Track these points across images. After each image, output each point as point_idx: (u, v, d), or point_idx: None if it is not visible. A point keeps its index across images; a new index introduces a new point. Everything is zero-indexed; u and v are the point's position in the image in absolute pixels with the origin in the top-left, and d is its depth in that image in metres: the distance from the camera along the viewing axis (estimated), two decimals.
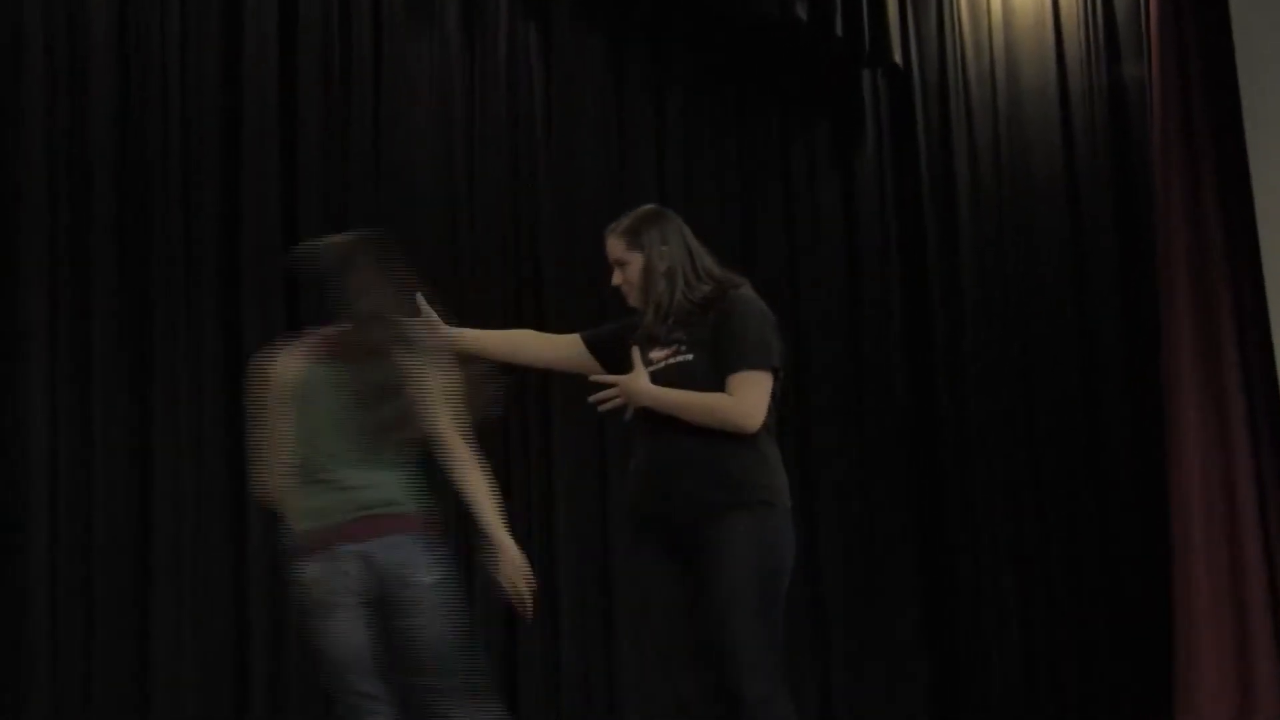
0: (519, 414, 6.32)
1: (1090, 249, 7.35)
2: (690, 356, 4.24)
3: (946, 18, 7.52)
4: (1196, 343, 6.76)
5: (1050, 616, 7.15)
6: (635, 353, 4.18)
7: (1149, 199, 7.09)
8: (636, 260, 4.32)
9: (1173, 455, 6.75)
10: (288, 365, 4.01)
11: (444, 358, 4.12)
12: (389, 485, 3.95)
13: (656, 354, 4.27)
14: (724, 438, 4.13)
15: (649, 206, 4.39)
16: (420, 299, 4.41)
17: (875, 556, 7.16)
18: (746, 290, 4.24)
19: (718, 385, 4.15)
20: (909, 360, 7.36)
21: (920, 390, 7.32)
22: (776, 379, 4.13)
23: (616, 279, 4.34)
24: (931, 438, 7.31)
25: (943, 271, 7.39)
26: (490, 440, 5.97)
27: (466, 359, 4.24)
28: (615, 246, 4.36)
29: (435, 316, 4.41)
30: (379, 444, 3.94)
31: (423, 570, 3.89)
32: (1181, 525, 6.69)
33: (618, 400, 4.18)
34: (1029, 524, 7.21)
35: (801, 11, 6.77)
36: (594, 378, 4.26)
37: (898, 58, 7.32)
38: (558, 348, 4.63)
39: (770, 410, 4.10)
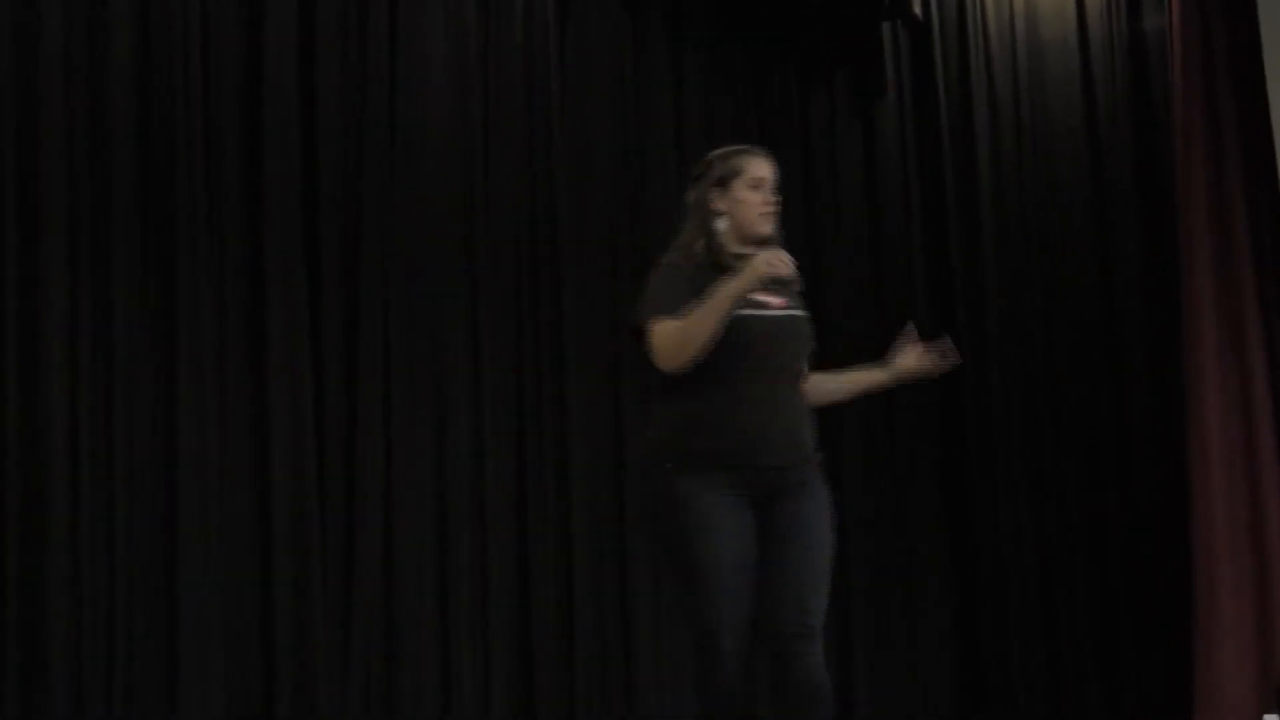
0: (535, 419, 6.33)
1: (1111, 200, 7.35)
2: (805, 314, 4.31)
3: None
4: (1217, 301, 6.73)
5: (1073, 609, 7.16)
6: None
7: (1170, 151, 7.07)
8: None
9: (1193, 445, 6.73)
10: None
11: None
12: None
13: (772, 300, 4.27)
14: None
15: None
16: None
17: (903, 541, 7.16)
18: None
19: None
20: (931, 315, 7.36)
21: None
22: None
23: (770, 199, 4.31)
24: (956, 399, 7.31)
25: (963, 224, 7.40)
26: (504, 445, 6.12)
27: None
28: (772, 170, 4.35)
29: None
30: None
31: None
32: (1202, 526, 6.67)
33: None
34: (1050, 506, 7.22)
35: None
36: None
37: (917, 9, 7.29)
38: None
39: None
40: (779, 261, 4.03)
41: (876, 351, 7.04)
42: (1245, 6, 6.77)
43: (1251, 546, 6.64)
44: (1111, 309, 7.27)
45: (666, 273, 4.25)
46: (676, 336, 4.10)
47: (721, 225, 4.29)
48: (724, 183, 4.31)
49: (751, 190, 4.30)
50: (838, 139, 7.31)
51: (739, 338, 4.15)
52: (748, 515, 4.18)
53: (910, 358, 4.49)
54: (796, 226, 6.99)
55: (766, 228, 4.30)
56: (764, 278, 4.05)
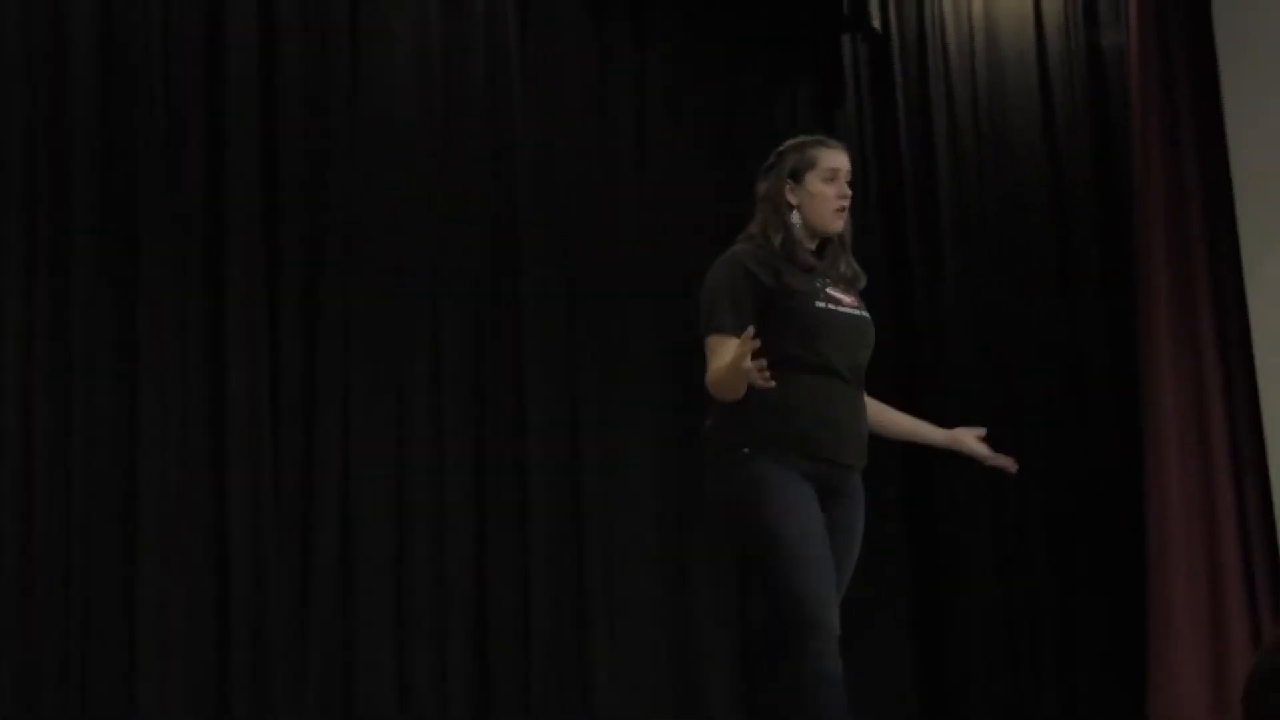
0: (495, 418, 6.32)
1: (1069, 210, 7.40)
2: (868, 316, 4.25)
3: None
4: (1173, 316, 6.78)
5: (1031, 610, 7.19)
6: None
7: (1127, 163, 7.12)
8: None
9: (1150, 451, 6.78)
10: None
11: None
12: None
13: (844, 297, 4.23)
14: None
15: None
16: None
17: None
18: None
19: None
20: (890, 321, 7.37)
21: (904, 359, 7.35)
22: None
23: (845, 192, 4.26)
24: (914, 401, 7.32)
25: (923, 235, 7.43)
26: (464, 446, 6.11)
27: None
28: (848, 161, 4.31)
29: None
30: None
31: None
32: (1159, 531, 6.72)
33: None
34: (1010, 508, 7.23)
35: None
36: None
37: (876, 22, 7.34)
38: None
39: None
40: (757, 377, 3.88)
41: None
42: (1202, 22, 6.84)
43: (1206, 548, 6.69)
44: (1071, 316, 7.32)
45: (731, 272, 4.17)
46: (719, 382, 4.03)
47: (795, 219, 4.22)
48: (797, 175, 4.25)
49: (826, 183, 4.24)
50: None
51: (815, 330, 4.11)
52: (818, 504, 4.12)
53: (975, 445, 4.47)
54: None
55: (838, 224, 4.25)
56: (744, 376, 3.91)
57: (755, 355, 3.89)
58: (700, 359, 4.14)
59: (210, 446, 5.73)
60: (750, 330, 3.88)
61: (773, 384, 3.89)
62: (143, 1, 5.76)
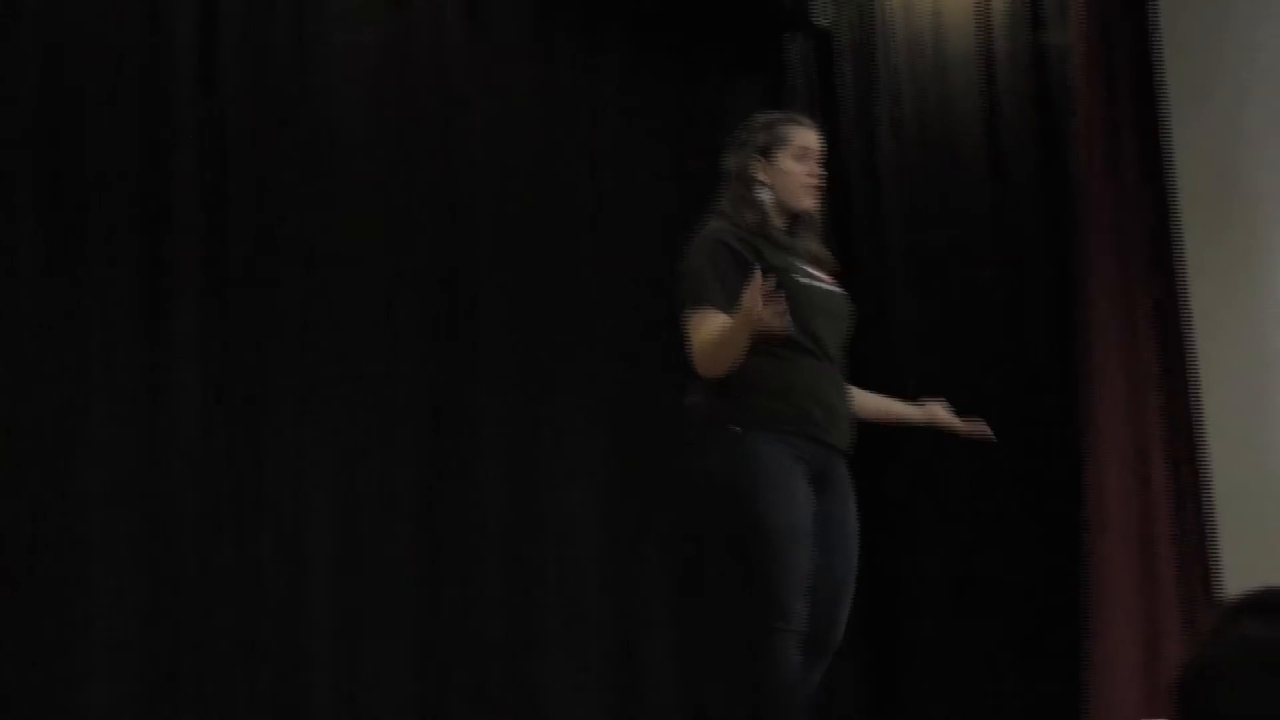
0: (449, 423, 6.33)
1: (1013, 213, 7.42)
2: (847, 294, 4.22)
3: None
4: (1115, 318, 6.83)
5: (972, 612, 7.23)
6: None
7: (1070, 161, 7.17)
8: None
9: (1091, 459, 6.82)
10: None
11: None
12: None
13: (821, 274, 4.18)
14: None
15: None
16: None
17: None
18: None
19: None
20: None
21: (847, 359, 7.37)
22: None
23: (816, 171, 4.24)
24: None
25: (868, 235, 7.45)
26: (416, 454, 6.08)
27: None
28: (820, 140, 4.28)
29: None
30: None
31: None
32: (1098, 536, 6.77)
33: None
34: (953, 507, 7.28)
35: None
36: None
37: (820, 19, 7.37)
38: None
39: None
40: (771, 317, 3.83)
41: None
42: (1145, 22, 6.88)
43: (1141, 550, 6.73)
44: (1014, 316, 7.35)
45: (712, 248, 4.12)
46: (712, 353, 3.98)
47: (765, 196, 4.15)
48: (767, 151, 4.20)
49: (796, 161, 4.20)
50: None
51: (803, 307, 4.04)
52: (810, 488, 4.05)
53: (949, 418, 4.53)
54: None
55: (810, 201, 4.20)
56: (755, 325, 3.85)
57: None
58: (672, 341, 4.09)
59: (153, 452, 5.66)
60: (758, 272, 3.83)
61: (788, 322, 3.83)
62: (83, 11, 5.69)
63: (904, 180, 7.47)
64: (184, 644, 5.62)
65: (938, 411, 4.51)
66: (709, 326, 3.99)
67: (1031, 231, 7.38)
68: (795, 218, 4.26)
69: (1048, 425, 7.18)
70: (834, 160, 7.36)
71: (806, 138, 4.26)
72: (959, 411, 7.01)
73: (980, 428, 4.48)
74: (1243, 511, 6.50)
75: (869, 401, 4.50)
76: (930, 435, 6.68)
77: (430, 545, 6.21)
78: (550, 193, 6.71)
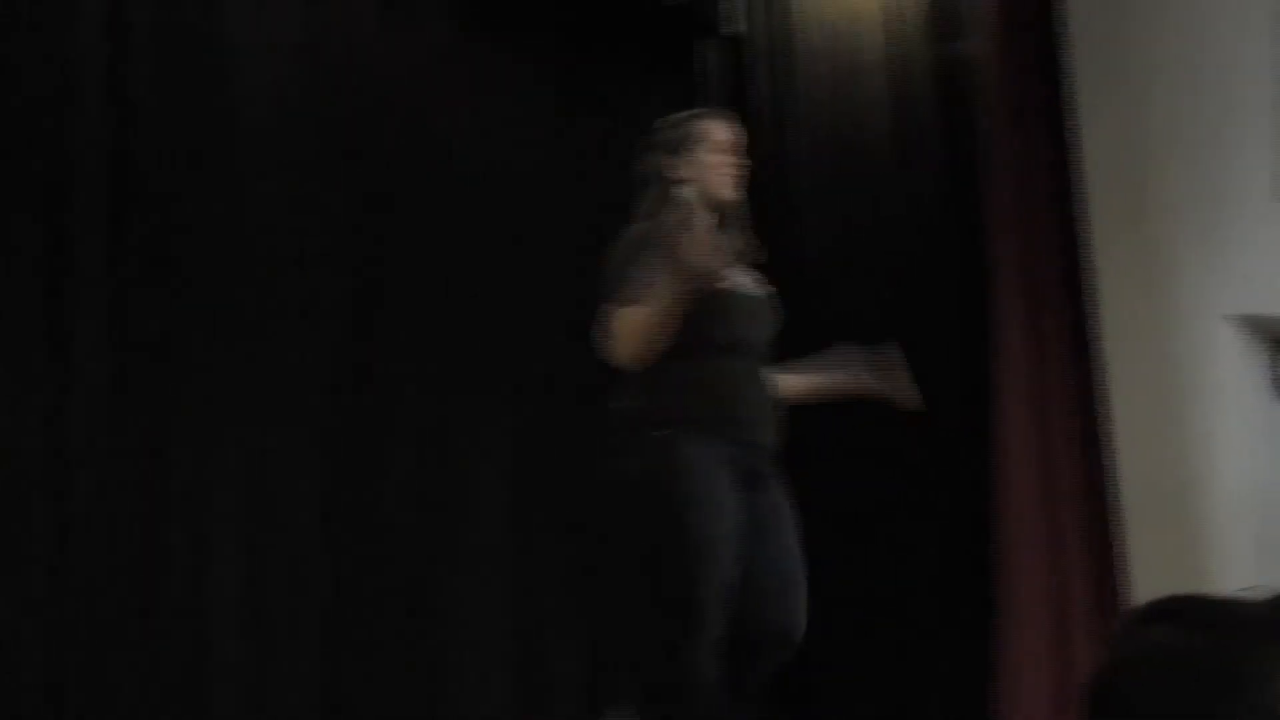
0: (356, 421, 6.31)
1: (923, 220, 7.48)
2: (768, 295, 4.29)
3: None
4: (1025, 319, 6.88)
5: (879, 611, 7.23)
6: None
7: (978, 169, 7.23)
8: None
9: (1000, 460, 6.87)
10: None
11: None
12: None
13: (745, 280, 4.15)
14: None
15: None
16: None
17: None
18: None
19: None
20: None
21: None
22: None
23: (734, 162, 4.25)
24: None
25: (778, 240, 7.45)
26: (323, 447, 6.06)
27: None
28: (734, 132, 4.28)
29: None
30: None
31: None
32: (1007, 537, 6.82)
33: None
34: (859, 511, 7.28)
35: None
36: None
37: (730, 27, 7.38)
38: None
39: None
40: (716, 258, 3.89)
41: None
42: (1053, 27, 6.95)
43: (1050, 552, 6.79)
44: (922, 314, 7.38)
45: (634, 248, 4.14)
46: (638, 336, 3.97)
47: (687, 194, 4.14)
48: (683, 149, 4.23)
49: (713, 154, 4.20)
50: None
51: (720, 309, 4.09)
52: (738, 490, 4.04)
53: (877, 384, 4.50)
54: (611, 239, 7.03)
55: (731, 192, 4.20)
56: (701, 274, 3.90)
57: (673, 339, 3.94)
58: (585, 342, 4.08)
59: (53, 451, 5.61)
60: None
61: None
62: None
63: (816, 186, 7.49)
64: (79, 640, 5.56)
65: (866, 381, 4.48)
66: (630, 318, 3.99)
67: (941, 235, 7.43)
68: (721, 212, 4.27)
69: (956, 427, 7.22)
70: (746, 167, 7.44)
71: (720, 130, 4.30)
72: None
73: (910, 394, 4.48)
74: (1150, 511, 6.57)
75: (796, 383, 4.50)
76: (835, 441, 6.79)
77: (336, 542, 6.21)
78: (460, 193, 6.71)
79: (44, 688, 5.47)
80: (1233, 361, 6.56)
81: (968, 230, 7.32)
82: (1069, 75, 6.90)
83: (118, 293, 5.77)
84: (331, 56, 6.45)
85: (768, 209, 7.39)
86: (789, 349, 7.20)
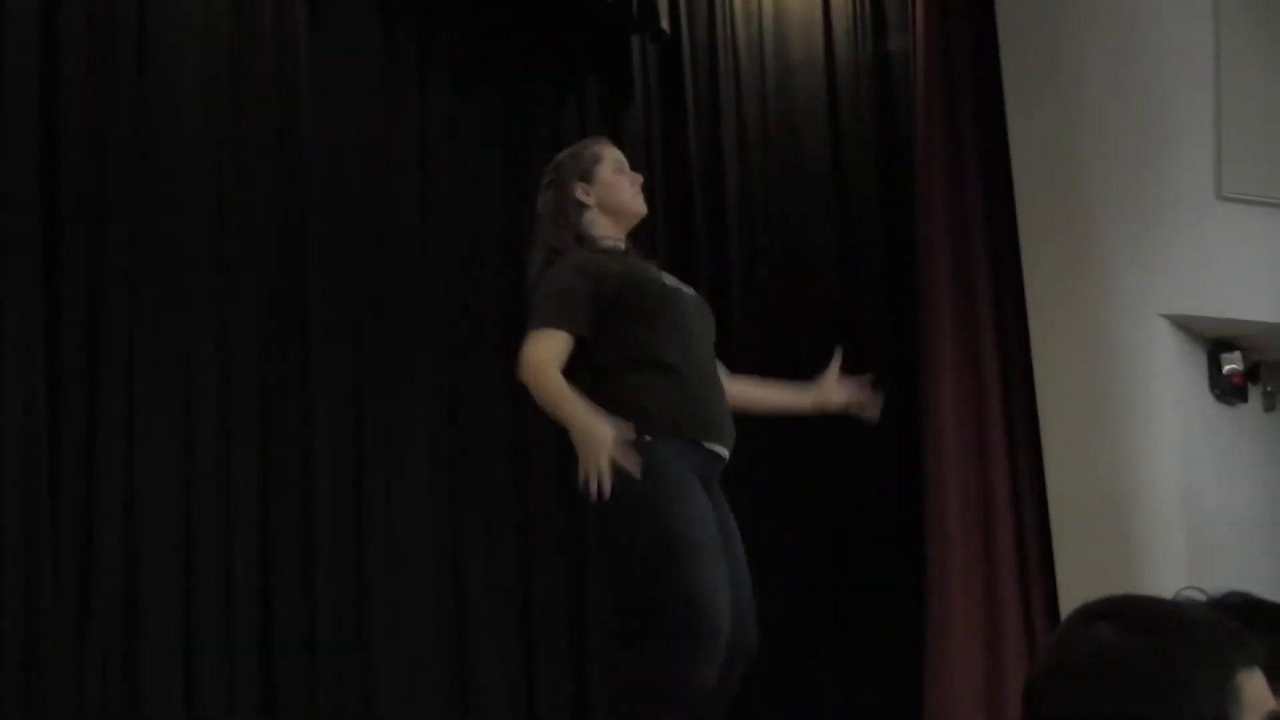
0: (280, 423, 6.27)
1: (855, 215, 7.55)
2: (701, 298, 4.39)
3: None
4: (954, 317, 6.92)
5: (812, 612, 7.25)
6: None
7: (911, 166, 7.28)
8: None
9: (932, 459, 6.88)
10: None
11: None
12: None
13: (680, 284, 4.28)
14: None
15: None
16: None
17: None
18: None
19: None
20: None
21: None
22: None
23: (638, 177, 4.37)
24: None
25: (710, 241, 7.46)
26: (249, 448, 6.02)
27: None
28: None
29: None
30: None
31: None
32: (937, 536, 6.82)
33: None
34: (792, 507, 7.30)
35: None
36: None
37: (666, 24, 7.37)
38: None
39: None
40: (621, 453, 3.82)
41: None
42: (986, 28, 6.99)
43: (982, 551, 6.80)
44: (854, 320, 7.40)
45: (565, 275, 4.16)
46: (535, 379, 3.98)
47: (594, 217, 4.24)
48: (586, 175, 4.28)
49: (615, 172, 4.29)
50: None
51: (671, 312, 4.11)
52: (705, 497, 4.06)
53: (838, 392, 4.48)
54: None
55: (642, 206, 4.32)
56: (597, 455, 3.83)
57: (628, 357, 4.00)
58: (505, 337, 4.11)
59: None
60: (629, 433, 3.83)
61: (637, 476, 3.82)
62: None
63: (746, 182, 7.50)
64: (8, 643, 5.51)
65: (831, 395, 4.49)
66: (545, 345, 4.02)
67: (872, 233, 7.47)
68: (631, 233, 4.35)
69: (888, 425, 7.21)
70: (677, 161, 7.44)
71: (613, 151, 4.42)
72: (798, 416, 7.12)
73: (870, 406, 4.49)
74: (1081, 514, 6.59)
75: (755, 393, 4.52)
76: (766, 442, 6.78)
77: (264, 541, 6.18)
78: (387, 189, 6.71)
79: None
80: (1169, 362, 6.55)
81: (899, 228, 7.34)
82: (999, 71, 6.90)
83: (49, 297, 5.76)
84: (256, 54, 6.41)
85: (695, 202, 7.44)
86: (722, 342, 7.22)
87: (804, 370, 7.23)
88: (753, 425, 6.92)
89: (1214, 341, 6.67)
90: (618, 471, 3.85)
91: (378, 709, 6.29)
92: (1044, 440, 6.73)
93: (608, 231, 4.30)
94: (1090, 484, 6.57)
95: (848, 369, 7.06)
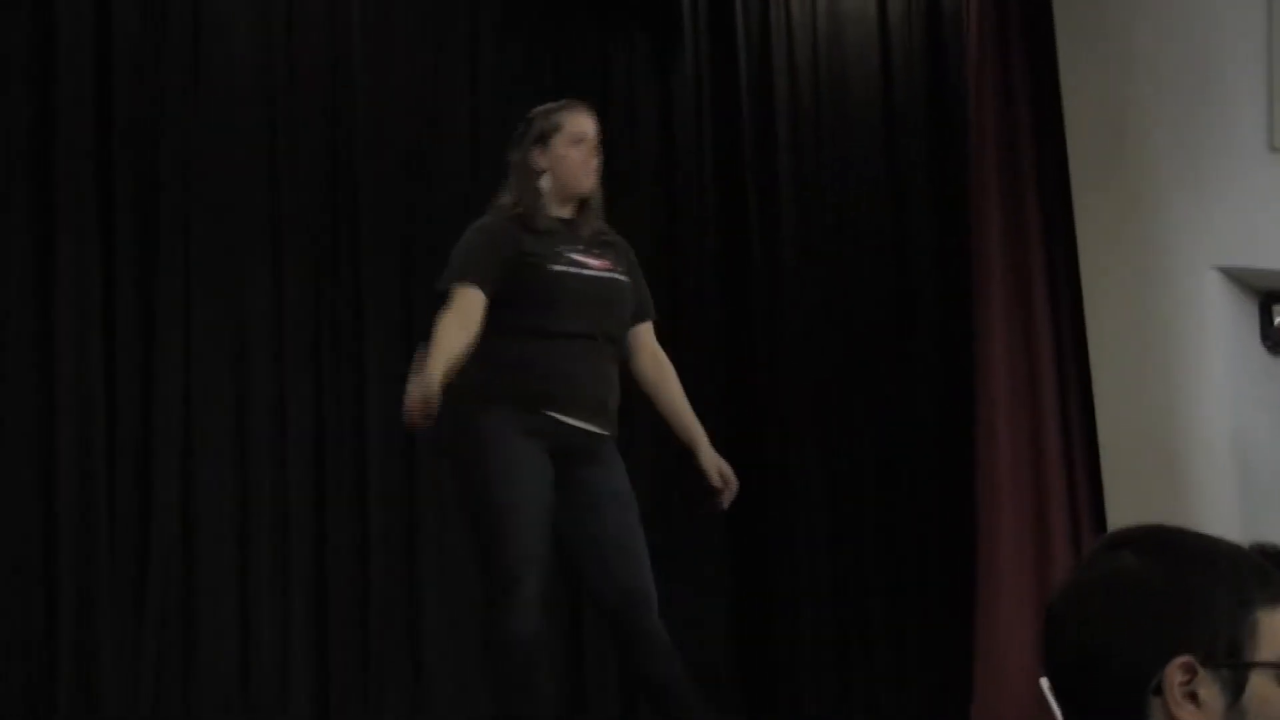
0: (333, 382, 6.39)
1: (905, 162, 7.59)
2: (627, 280, 4.37)
3: None
4: (1007, 278, 6.91)
5: (860, 589, 7.31)
6: None
7: (963, 117, 7.30)
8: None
9: (981, 424, 6.92)
10: None
11: None
12: None
13: (592, 260, 4.33)
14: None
15: None
16: None
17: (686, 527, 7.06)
18: None
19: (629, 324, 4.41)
20: (723, 277, 7.44)
21: (735, 308, 7.41)
22: None
23: (592, 154, 4.44)
24: (748, 367, 7.39)
25: (761, 194, 7.49)
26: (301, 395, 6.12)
27: None
28: (594, 124, 4.50)
29: None
30: None
31: None
32: (988, 509, 6.87)
33: None
34: (841, 486, 7.37)
35: None
36: None
37: None
38: None
39: None
40: (418, 407, 4.07)
41: (667, 306, 7.11)
42: None
43: (1034, 528, 6.83)
44: (904, 268, 7.50)
45: (472, 236, 4.38)
46: (439, 333, 4.22)
47: (544, 184, 4.35)
48: (544, 139, 4.40)
49: (572, 146, 4.38)
50: (636, 96, 7.40)
51: (551, 292, 4.23)
52: (549, 464, 4.22)
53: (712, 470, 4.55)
54: None
55: (588, 185, 4.39)
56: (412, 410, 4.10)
57: (500, 322, 4.22)
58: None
59: (39, 413, 5.66)
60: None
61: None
62: None
63: (798, 132, 7.51)
64: (65, 604, 5.63)
65: (706, 461, 4.57)
66: (454, 301, 4.24)
67: (924, 183, 7.48)
68: (581, 203, 4.42)
69: (940, 372, 7.26)
70: (728, 111, 7.46)
71: (581, 124, 4.51)
72: (851, 368, 7.16)
73: (716, 501, 4.59)
74: (1133, 465, 6.61)
75: (670, 401, 4.60)
76: (815, 423, 6.83)
77: (318, 496, 6.32)
78: (433, 140, 6.81)
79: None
80: (1220, 314, 6.56)
81: (951, 179, 7.35)
82: (1051, 22, 6.89)
83: (105, 250, 5.91)
84: (311, 5, 6.50)
85: (750, 155, 7.46)
86: (761, 295, 7.24)
87: (849, 322, 7.32)
88: (807, 405, 6.98)
89: (1265, 293, 6.68)
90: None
91: (427, 678, 6.38)
92: (1095, 392, 6.76)
93: (555, 204, 4.40)
94: (1142, 435, 6.61)
95: (897, 326, 7.17)
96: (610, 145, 7.15)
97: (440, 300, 4.30)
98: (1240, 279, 6.63)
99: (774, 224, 7.49)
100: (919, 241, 7.50)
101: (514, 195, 4.42)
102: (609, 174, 7.05)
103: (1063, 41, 6.88)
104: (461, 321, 4.22)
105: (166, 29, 6.11)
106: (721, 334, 7.44)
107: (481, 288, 4.23)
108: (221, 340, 6.12)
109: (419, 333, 6.36)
